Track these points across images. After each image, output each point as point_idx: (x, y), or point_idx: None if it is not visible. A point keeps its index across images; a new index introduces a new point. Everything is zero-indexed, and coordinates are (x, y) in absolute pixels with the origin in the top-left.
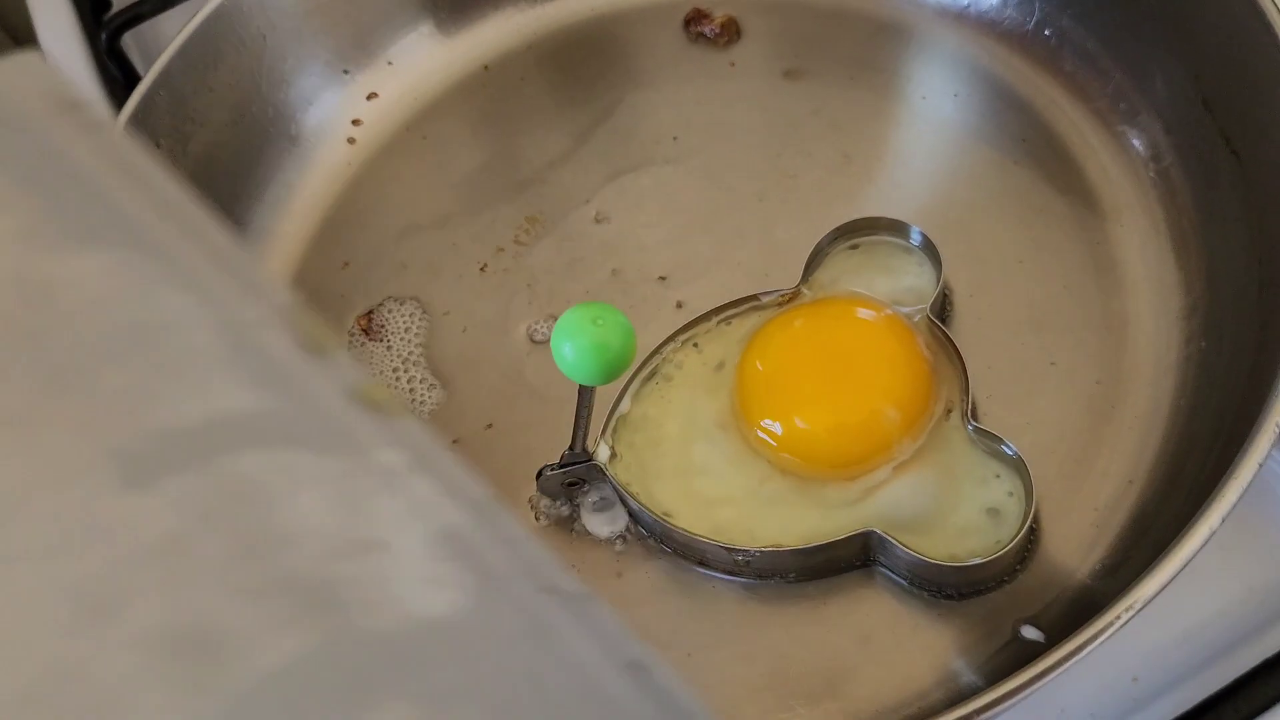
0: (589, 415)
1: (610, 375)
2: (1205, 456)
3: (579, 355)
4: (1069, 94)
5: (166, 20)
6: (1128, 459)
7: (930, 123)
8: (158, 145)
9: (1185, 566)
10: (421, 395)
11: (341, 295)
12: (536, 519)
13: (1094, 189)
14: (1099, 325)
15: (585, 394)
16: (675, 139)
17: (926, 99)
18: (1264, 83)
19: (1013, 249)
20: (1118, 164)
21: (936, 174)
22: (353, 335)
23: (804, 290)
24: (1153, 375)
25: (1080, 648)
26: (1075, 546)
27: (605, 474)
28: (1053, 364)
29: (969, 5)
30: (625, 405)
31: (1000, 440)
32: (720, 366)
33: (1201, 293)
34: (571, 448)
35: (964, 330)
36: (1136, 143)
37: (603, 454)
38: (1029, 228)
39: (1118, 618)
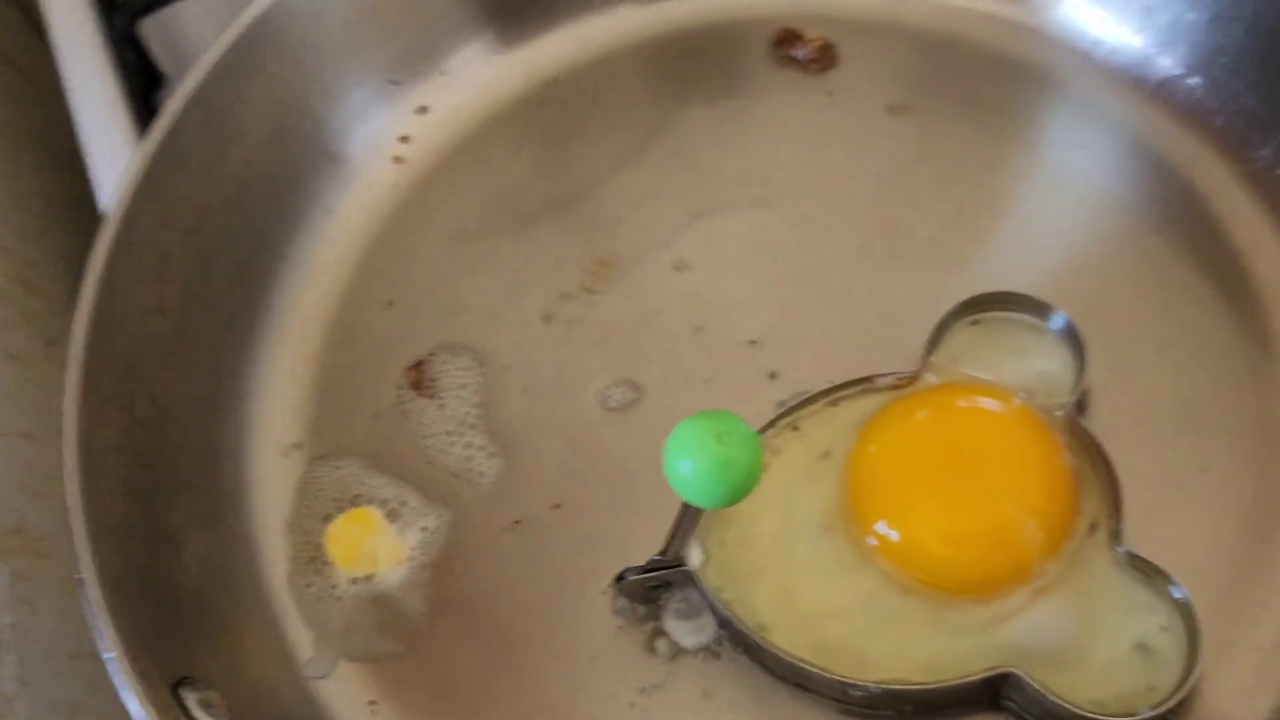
0: (689, 531)
1: (736, 498)
2: None
3: (699, 477)
4: (1219, 153)
5: (185, 10)
6: None
7: (1054, 176)
8: (189, 165)
9: None
10: (480, 466)
11: (384, 341)
12: (612, 619)
13: (1247, 266)
14: (1256, 428)
15: (691, 512)
16: (765, 180)
17: (1051, 148)
18: None
19: (1153, 334)
20: (1277, 237)
21: (1063, 238)
22: (401, 390)
23: (926, 375)
24: None
25: None
26: (1236, 692)
27: (696, 582)
28: (1204, 470)
29: (1102, 45)
30: None
31: (1167, 577)
32: (826, 455)
33: None
34: (662, 553)
35: (1098, 428)
36: None
37: (694, 558)
38: (1171, 309)
39: None
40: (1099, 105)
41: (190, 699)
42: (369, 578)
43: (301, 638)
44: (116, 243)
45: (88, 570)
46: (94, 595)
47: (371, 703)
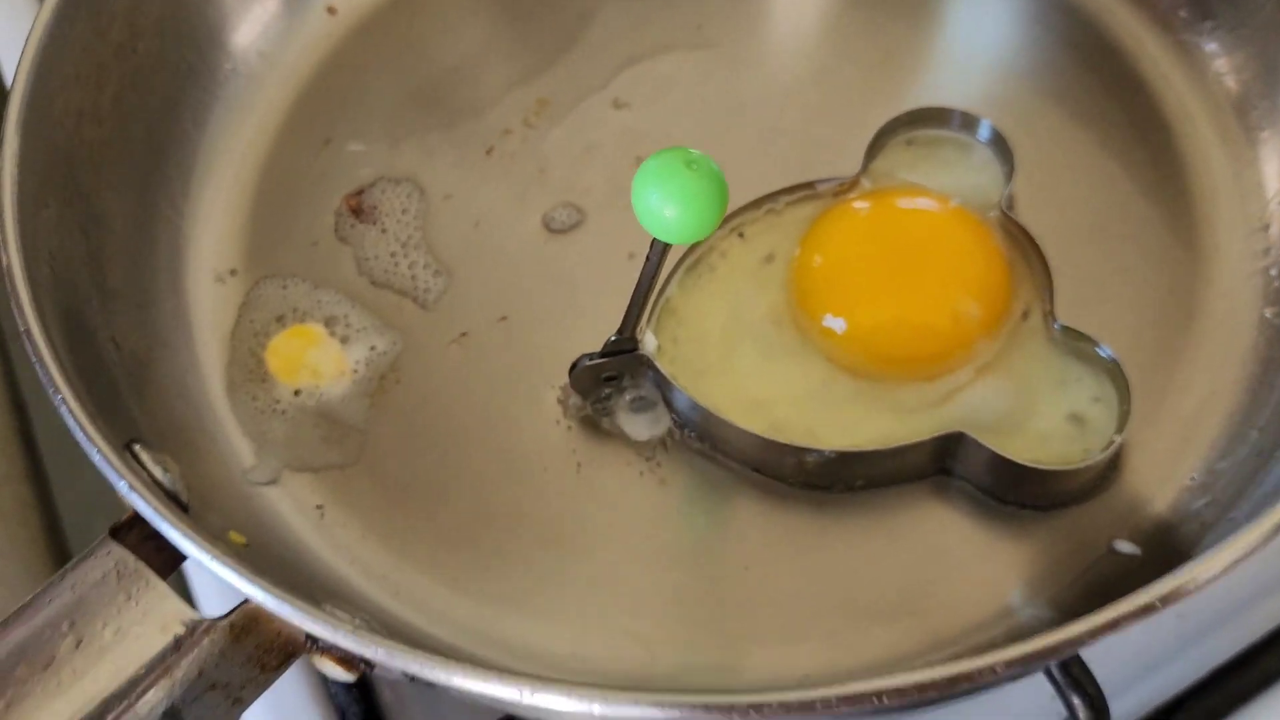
0: (651, 289)
1: (703, 230)
2: None
3: (672, 203)
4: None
5: None
6: (1209, 371)
7: (975, 25)
8: None
9: None
10: (425, 281)
11: (323, 174)
12: (564, 418)
13: (1156, 97)
14: (1169, 234)
15: (655, 260)
16: (698, 27)
17: (972, 2)
18: None
19: (1072, 155)
20: (1179, 69)
21: (985, 77)
22: (340, 217)
23: (864, 180)
24: (1229, 286)
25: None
26: (1162, 460)
27: (652, 365)
28: (1125, 271)
29: None
30: (671, 292)
31: (1093, 342)
32: (769, 259)
33: None
34: (620, 331)
35: None
36: (1204, 47)
37: (649, 343)
38: (1087, 132)
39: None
40: None
41: (144, 456)
42: (312, 390)
43: (243, 447)
44: (50, 34)
45: (32, 321)
46: (40, 343)
47: (319, 507)
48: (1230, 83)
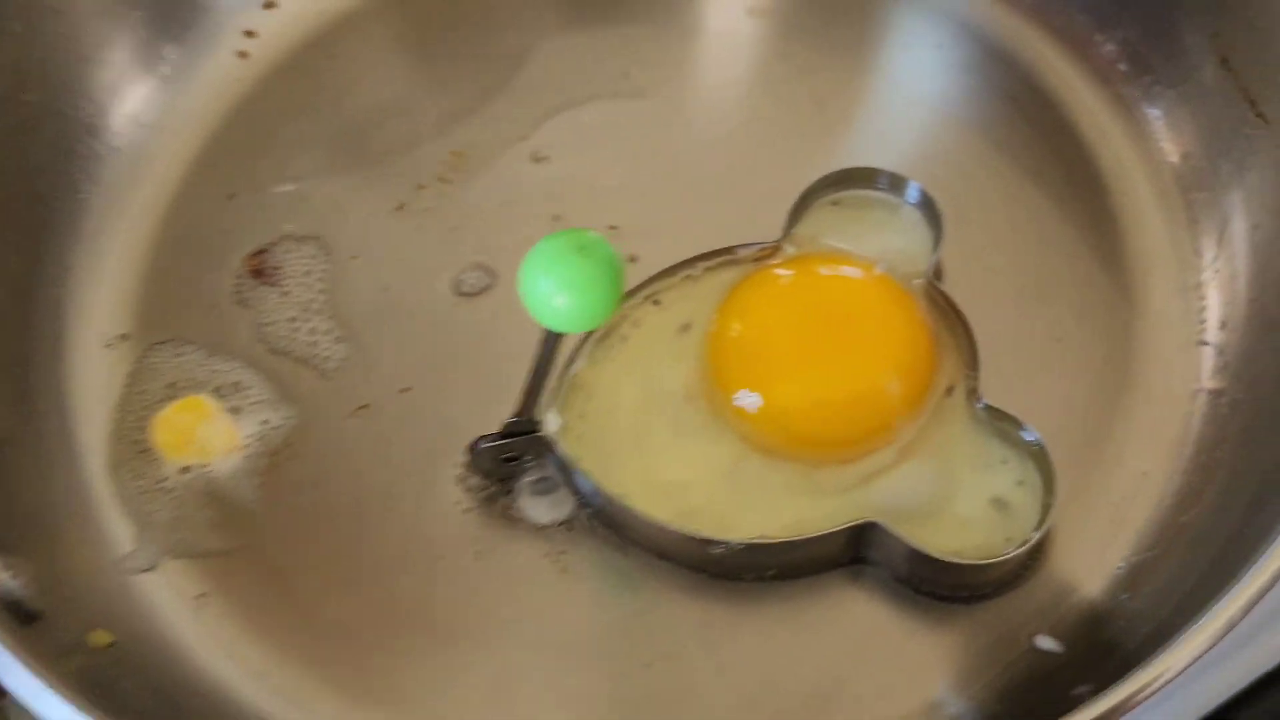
0: (547, 373)
1: (596, 319)
2: (1242, 446)
3: (562, 294)
4: (1063, 50)
5: None
6: (1141, 448)
7: (911, 75)
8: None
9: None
10: (326, 348)
11: (226, 231)
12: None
13: (1093, 153)
14: (1104, 299)
15: (550, 345)
16: (626, 75)
17: (907, 50)
18: None
19: (1007, 213)
20: (1119, 126)
21: (919, 131)
22: (240, 279)
23: (786, 246)
24: (1165, 355)
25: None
26: (1090, 546)
27: (554, 447)
28: (1057, 340)
29: None
30: (579, 365)
31: (1018, 423)
32: (686, 328)
33: (1221, 267)
34: (519, 413)
35: (957, 301)
36: (1142, 105)
37: (552, 424)
38: (1023, 191)
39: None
40: (952, 8)
41: None
42: (201, 468)
43: (121, 530)
44: None
45: None
46: None
47: (200, 596)
48: (1169, 143)
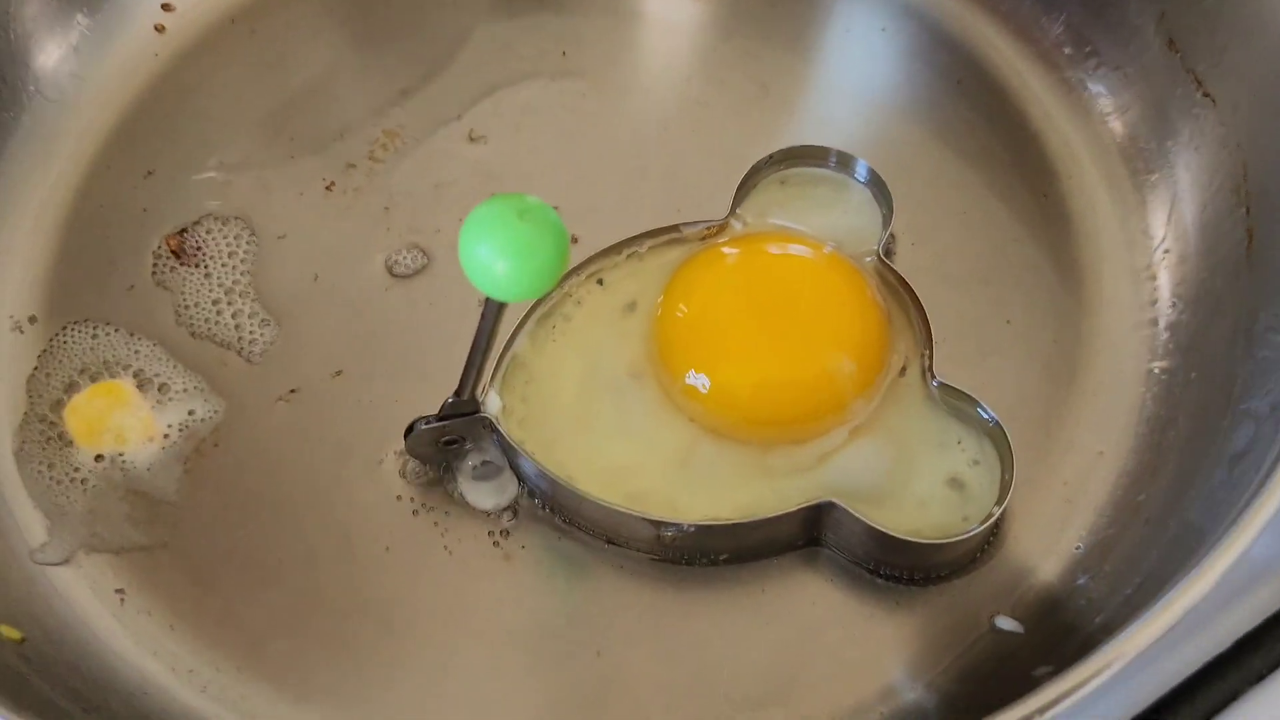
0: (488, 349)
1: (540, 287)
2: (1196, 425)
3: (503, 259)
4: (1008, 34)
5: None
6: (1095, 430)
7: (855, 59)
8: None
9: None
10: (251, 332)
11: (144, 210)
12: (401, 486)
13: (1040, 137)
14: (1055, 281)
15: (490, 318)
16: (564, 54)
17: (850, 32)
18: (1243, 19)
19: (954, 196)
20: (1064, 109)
21: (864, 113)
22: (159, 258)
23: (734, 222)
24: (1116, 336)
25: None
26: (1046, 527)
27: (496, 429)
28: (1007, 322)
29: None
30: (520, 345)
31: (973, 401)
32: (631, 307)
33: (1170, 247)
34: (458, 393)
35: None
36: (1089, 87)
37: (493, 405)
38: (970, 175)
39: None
40: None
41: None
42: (117, 457)
43: (33, 521)
44: None
45: None
46: None
47: (119, 591)
48: (1116, 124)
